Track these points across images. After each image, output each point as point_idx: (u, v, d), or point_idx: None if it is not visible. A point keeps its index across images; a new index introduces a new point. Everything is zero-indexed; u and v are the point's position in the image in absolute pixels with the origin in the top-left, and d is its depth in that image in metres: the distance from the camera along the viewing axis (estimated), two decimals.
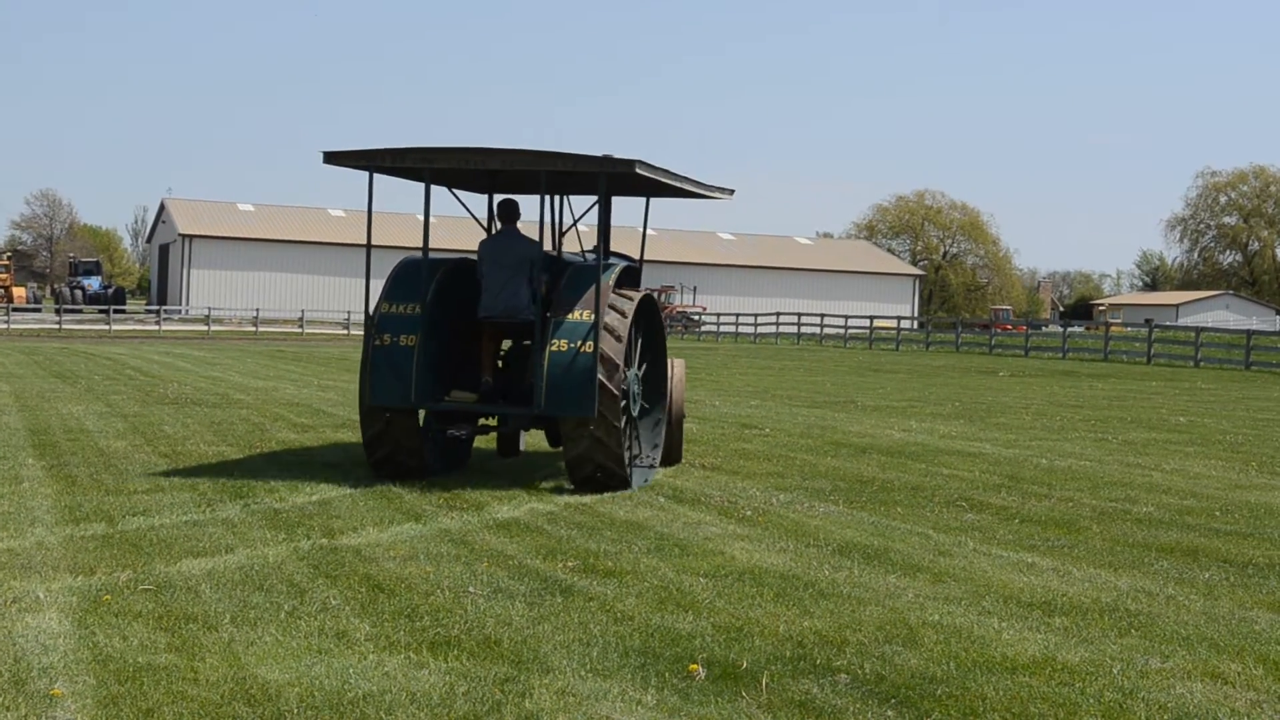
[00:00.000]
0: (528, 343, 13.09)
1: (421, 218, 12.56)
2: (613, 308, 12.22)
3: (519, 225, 12.94)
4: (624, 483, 12.13)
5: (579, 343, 11.94)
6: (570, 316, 12.08)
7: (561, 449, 12.76)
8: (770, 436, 17.21)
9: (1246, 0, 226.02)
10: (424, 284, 12.38)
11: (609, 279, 12.41)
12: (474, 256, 13.04)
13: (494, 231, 13.13)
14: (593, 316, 12.03)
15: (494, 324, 12.85)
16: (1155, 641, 7.06)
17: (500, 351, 13.39)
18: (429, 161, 12.30)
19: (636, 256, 14.30)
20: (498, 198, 13.71)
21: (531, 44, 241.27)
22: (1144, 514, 11.34)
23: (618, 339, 12.10)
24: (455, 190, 14.09)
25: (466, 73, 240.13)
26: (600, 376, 11.84)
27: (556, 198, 13.97)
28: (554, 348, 11.96)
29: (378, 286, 13.03)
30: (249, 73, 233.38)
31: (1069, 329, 60.62)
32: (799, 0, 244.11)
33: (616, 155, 11.92)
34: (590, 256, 13.31)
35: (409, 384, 12.08)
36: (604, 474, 12.06)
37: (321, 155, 12.68)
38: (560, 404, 11.92)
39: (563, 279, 12.51)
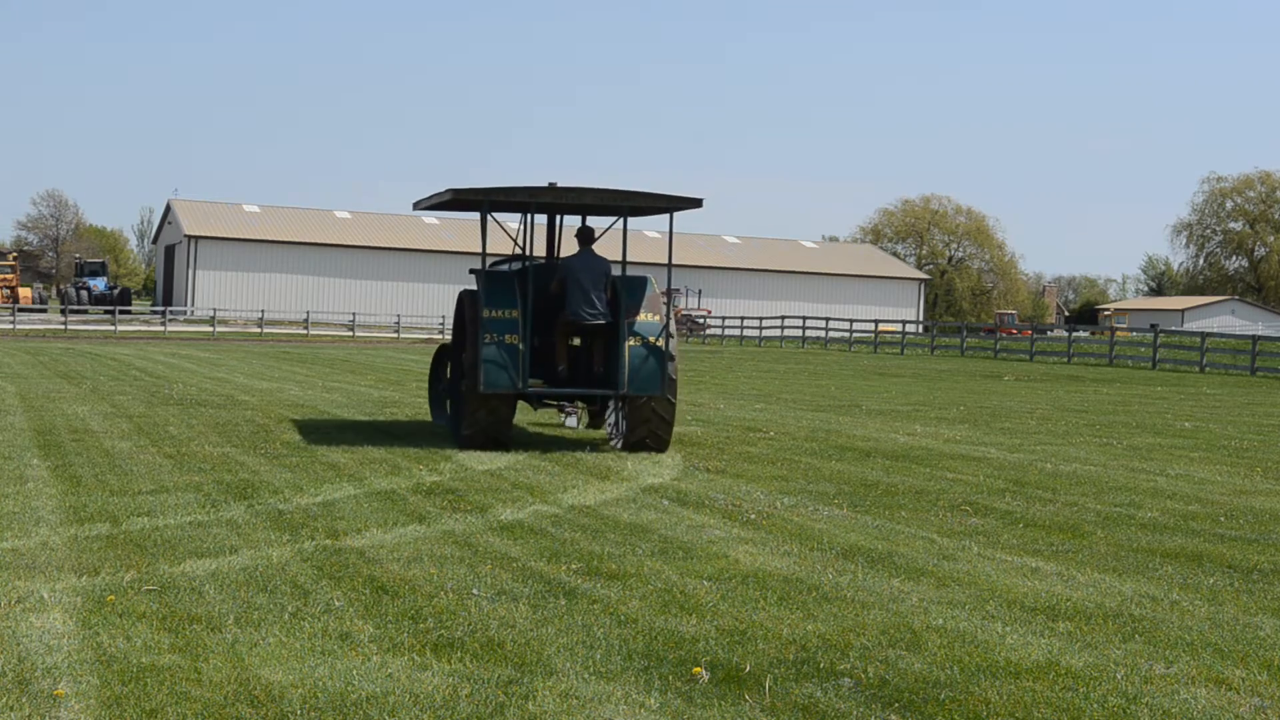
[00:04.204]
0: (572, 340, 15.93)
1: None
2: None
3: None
4: (667, 447, 15.24)
5: (651, 339, 15.06)
6: (641, 318, 15.16)
7: (595, 425, 17.02)
8: (775, 440, 17.20)
9: (1253, 6, 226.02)
10: (517, 292, 15.06)
11: (658, 290, 15.56)
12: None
13: (576, 251, 15.75)
14: (655, 318, 15.22)
15: (571, 323, 15.48)
16: (1159, 647, 7.04)
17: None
18: (534, 197, 15.32)
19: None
20: (544, 222, 16.81)
21: (534, 37, 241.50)
22: (1148, 519, 11.33)
23: (675, 336, 15.37)
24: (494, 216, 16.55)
25: (464, 72, 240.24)
26: (669, 365, 15.03)
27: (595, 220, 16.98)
28: (631, 343, 14.99)
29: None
30: (254, 74, 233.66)
31: (1074, 333, 60.51)
32: (803, 2, 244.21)
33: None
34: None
35: (516, 374, 14.78)
36: (658, 441, 15.17)
37: (449, 192, 15.39)
38: (638, 386, 14.93)
39: (621, 288, 15.37)
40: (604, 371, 15.52)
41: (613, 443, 15.94)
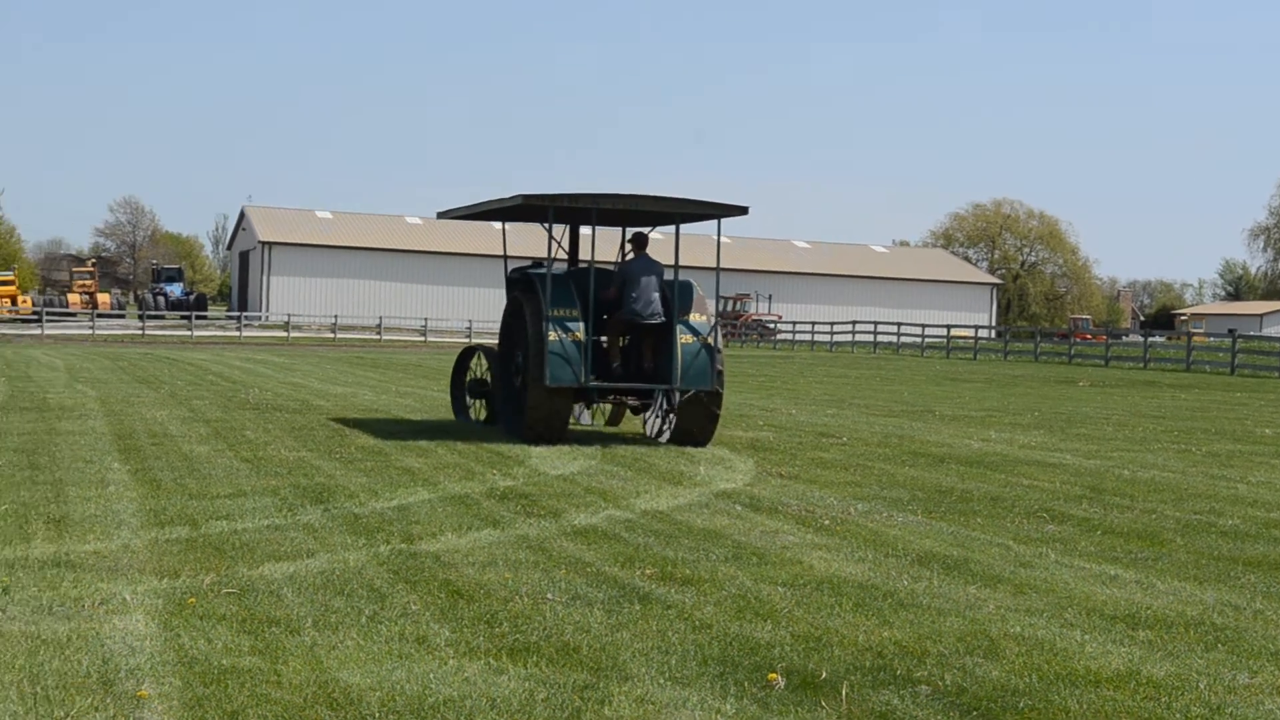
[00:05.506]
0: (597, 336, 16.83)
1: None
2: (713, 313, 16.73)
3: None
4: (710, 440, 16.39)
5: (701, 337, 16.24)
6: (691, 318, 16.31)
7: (635, 419, 18.43)
8: (848, 445, 17.13)
9: None
10: (577, 292, 16.18)
11: (701, 293, 16.72)
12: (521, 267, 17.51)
13: (630, 256, 16.96)
14: (704, 318, 16.40)
15: (628, 322, 16.59)
16: (1243, 656, 6.94)
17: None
18: (597, 204, 16.29)
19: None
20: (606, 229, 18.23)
21: (613, 41, 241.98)
22: (1229, 527, 11.17)
23: (721, 335, 16.58)
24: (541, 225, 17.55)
25: (535, 80, 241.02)
26: (718, 362, 16.27)
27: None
28: (684, 340, 16.11)
29: (502, 296, 18.01)
30: (328, 81, 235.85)
31: (1150, 339, 59.81)
32: (878, 8, 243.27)
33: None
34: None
35: (579, 369, 15.85)
36: (705, 433, 16.31)
37: (520, 198, 16.13)
38: (690, 380, 16.09)
39: (671, 291, 16.51)
40: (653, 367, 16.62)
41: (650, 434, 17.32)
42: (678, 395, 16.25)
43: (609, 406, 18.19)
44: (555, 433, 16.08)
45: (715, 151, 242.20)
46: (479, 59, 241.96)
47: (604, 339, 16.96)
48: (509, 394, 17.38)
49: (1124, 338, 76.87)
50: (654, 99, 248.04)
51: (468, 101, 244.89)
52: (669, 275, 16.77)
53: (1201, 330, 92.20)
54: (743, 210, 16.93)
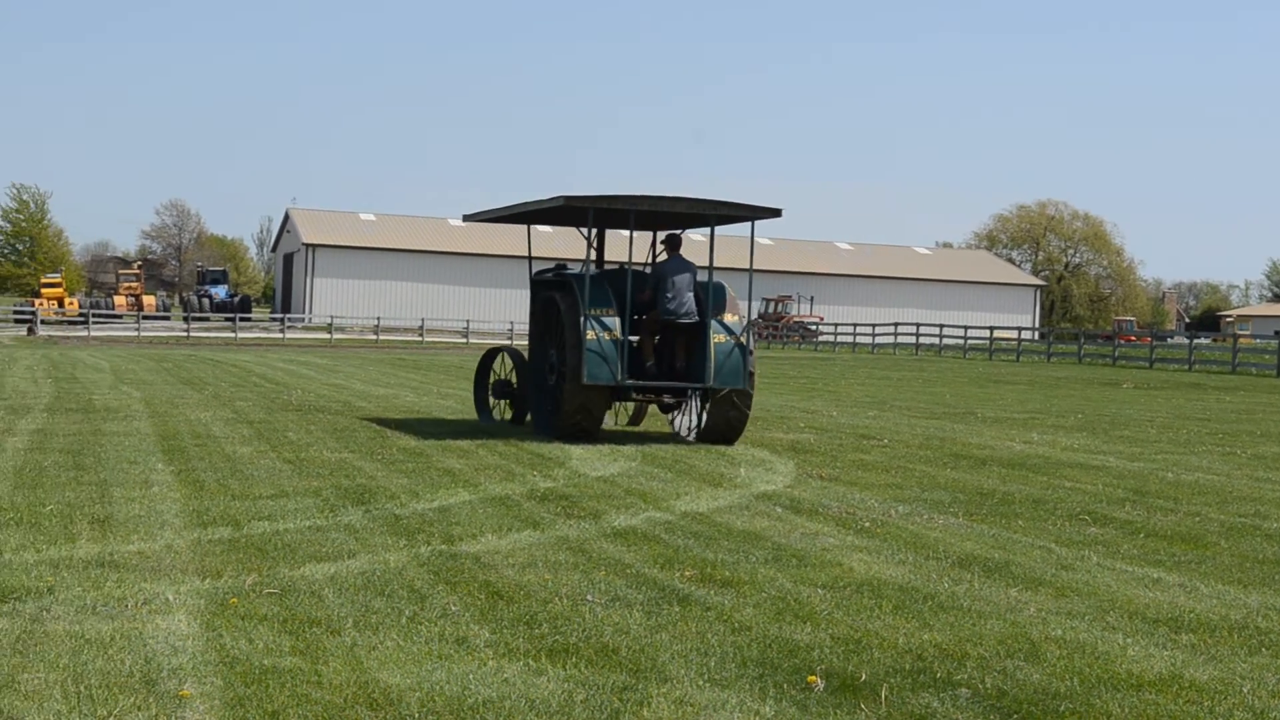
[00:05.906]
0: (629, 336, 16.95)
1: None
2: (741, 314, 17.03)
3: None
4: (738, 439, 16.74)
5: (734, 337, 16.52)
6: (724, 318, 16.58)
7: (669, 417, 18.16)
8: (889, 447, 17.07)
9: None
10: (612, 292, 16.46)
11: (733, 294, 17.04)
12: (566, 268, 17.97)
13: (665, 257, 17.20)
14: (736, 318, 16.66)
15: (663, 321, 16.82)
16: None
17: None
18: (634, 205, 16.47)
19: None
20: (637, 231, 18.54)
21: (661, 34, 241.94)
22: (1274, 530, 11.06)
23: (751, 336, 16.84)
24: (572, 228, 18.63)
25: (564, 76, 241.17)
26: (751, 361, 16.58)
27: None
28: (717, 340, 16.37)
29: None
30: (370, 83, 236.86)
31: (1195, 340, 59.29)
32: (914, 9, 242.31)
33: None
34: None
35: (617, 368, 16.12)
36: (736, 431, 16.63)
37: (562, 199, 16.24)
38: (723, 379, 16.34)
39: (704, 291, 16.85)
40: (686, 366, 16.91)
41: (679, 432, 17.66)
42: (710, 394, 16.52)
43: (631, 405, 18.55)
44: (590, 430, 16.42)
45: (756, 150, 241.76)
46: (479, 59, 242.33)
47: (634, 338, 17.13)
48: (541, 393, 17.64)
49: (1169, 340, 76.29)
50: (654, 99, 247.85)
51: (469, 101, 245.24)
52: (702, 276, 17.03)
53: (1247, 332, 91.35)
54: (776, 212, 17.24)
